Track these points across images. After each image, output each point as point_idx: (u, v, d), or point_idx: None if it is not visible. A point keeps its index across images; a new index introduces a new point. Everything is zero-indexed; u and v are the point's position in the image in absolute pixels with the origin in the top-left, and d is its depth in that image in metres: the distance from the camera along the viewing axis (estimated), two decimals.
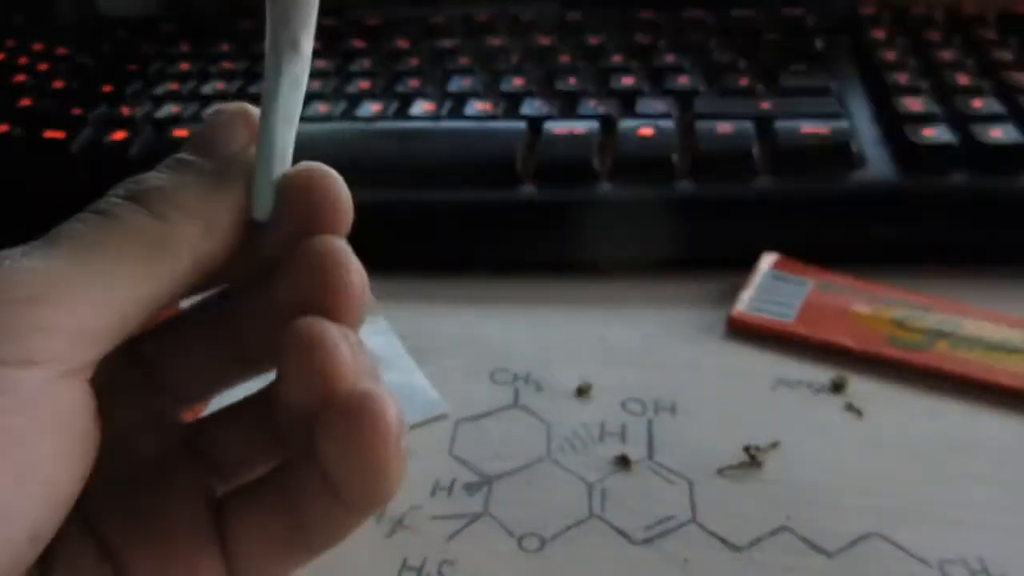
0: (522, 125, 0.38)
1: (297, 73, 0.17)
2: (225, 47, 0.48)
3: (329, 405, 0.15)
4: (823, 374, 0.30)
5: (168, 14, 0.56)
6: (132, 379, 0.18)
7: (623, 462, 0.27)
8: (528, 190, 0.36)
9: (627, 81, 0.41)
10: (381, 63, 0.45)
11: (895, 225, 0.34)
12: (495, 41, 0.45)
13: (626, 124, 0.37)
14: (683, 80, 0.40)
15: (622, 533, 0.25)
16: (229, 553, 0.17)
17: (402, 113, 0.40)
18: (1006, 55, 0.40)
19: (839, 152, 0.34)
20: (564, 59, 0.43)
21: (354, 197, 0.18)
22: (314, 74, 0.44)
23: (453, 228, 0.36)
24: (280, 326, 0.16)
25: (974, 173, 0.34)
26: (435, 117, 0.39)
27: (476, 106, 0.39)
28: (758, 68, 0.41)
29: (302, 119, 0.43)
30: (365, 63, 0.45)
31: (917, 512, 0.25)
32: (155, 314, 0.16)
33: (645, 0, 0.48)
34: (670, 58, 0.42)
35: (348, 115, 0.40)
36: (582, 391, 0.30)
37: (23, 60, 0.48)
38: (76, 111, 0.42)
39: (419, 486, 0.27)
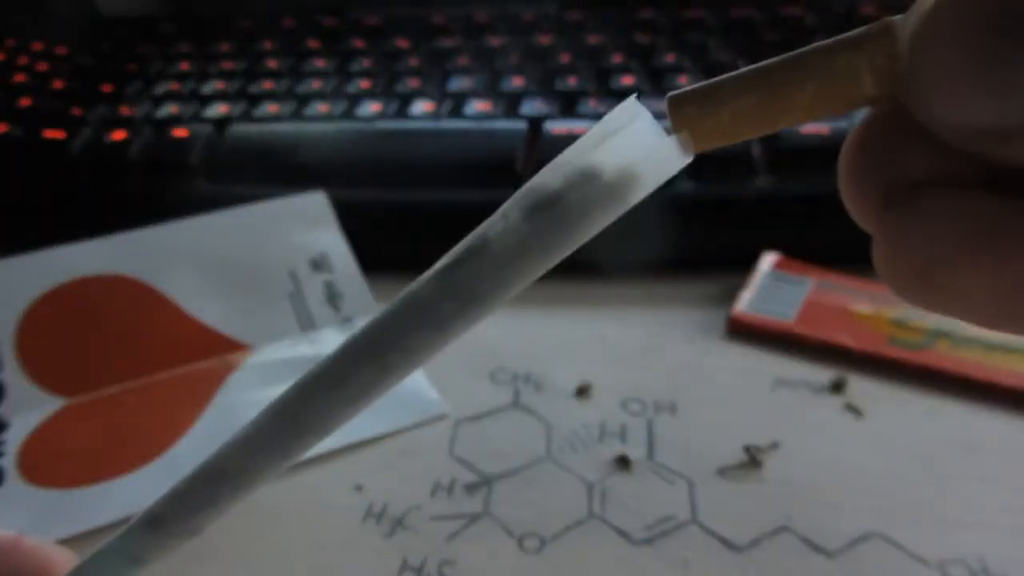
0: (522, 125, 0.38)
1: None
2: (225, 47, 0.48)
3: None
4: (823, 374, 0.30)
5: (168, 14, 0.56)
6: None
7: (623, 462, 0.27)
8: None
9: (627, 81, 0.41)
10: (381, 63, 0.45)
11: None
12: (495, 41, 0.45)
13: None
14: (683, 80, 0.40)
15: (622, 533, 0.25)
16: None
17: (402, 113, 0.40)
18: None
19: (839, 152, 0.34)
20: (564, 59, 0.43)
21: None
22: (314, 74, 0.44)
23: (453, 228, 0.36)
24: None
25: None
26: (435, 117, 0.39)
27: (476, 106, 0.39)
28: None
29: (303, 118, 0.42)
30: (365, 63, 0.45)
31: (917, 512, 0.25)
32: None
33: (645, 0, 0.48)
34: (670, 58, 0.42)
35: (348, 115, 0.40)
36: (582, 391, 0.30)
37: (23, 60, 0.48)
38: (76, 111, 0.42)
39: (419, 486, 0.27)
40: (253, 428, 0.14)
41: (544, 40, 0.45)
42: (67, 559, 0.18)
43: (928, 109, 0.11)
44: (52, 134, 0.40)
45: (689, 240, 0.35)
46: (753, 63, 0.13)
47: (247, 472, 0.14)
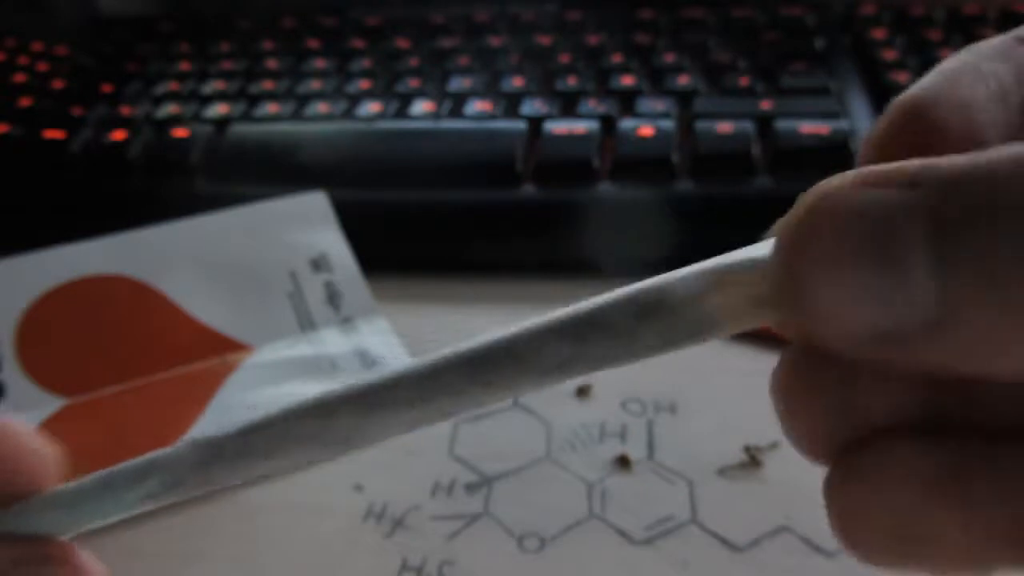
0: (522, 125, 0.38)
1: None
2: (225, 47, 0.48)
3: None
4: None
5: (168, 14, 0.56)
6: None
7: (623, 462, 0.27)
8: (528, 190, 0.36)
9: (627, 81, 0.41)
10: (381, 63, 0.45)
11: None
12: (495, 41, 0.45)
13: (626, 124, 0.37)
14: (683, 80, 0.40)
15: (622, 533, 0.25)
16: None
17: (402, 113, 0.40)
18: None
19: (839, 152, 0.34)
20: (564, 59, 0.43)
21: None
22: (314, 74, 0.44)
23: (453, 228, 0.36)
24: None
25: None
26: (435, 117, 0.39)
27: (476, 106, 0.39)
28: (758, 68, 0.41)
29: (303, 118, 0.42)
30: (365, 63, 0.45)
31: None
32: None
33: (645, 0, 0.48)
34: (670, 58, 0.42)
35: (348, 115, 0.40)
36: (582, 391, 0.30)
37: (23, 60, 0.48)
38: (76, 111, 0.42)
39: (419, 486, 0.27)
40: (321, 401, 0.14)
41: (544, 40, 0.45)
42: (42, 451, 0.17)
43: (823, 328, 0.11)
44: (52, 134, 0.40)
45: (689, 240, 0.35)
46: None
47: (313, 439, 0.14)
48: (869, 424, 0.12)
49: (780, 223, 0.11)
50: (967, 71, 0.13)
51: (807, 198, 0.11)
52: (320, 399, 0.14)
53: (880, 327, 0.11)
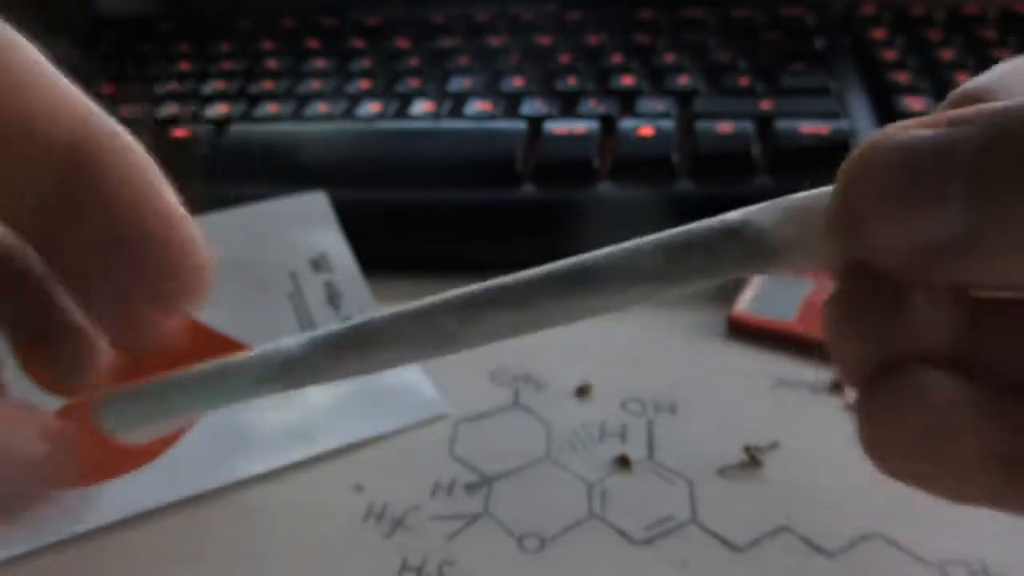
0: (522, 125, 0.38)
1: None
2: (225, 47, 0.48)
3: None
4: (823, 374, 0.30)
5: (168, 14, 0.56)
6: None
7: (623, 462, 0.27)
8: (528, 190, 0.36)
9: (627, 81, 0.41)
10: (381, 63, 0.45)
11: None
12: (495, 41, 0.45)
13: (626, 124, 0.37)
14: (683, 80, 0.40)
15: (622, 533, 0.25)
16: None
17: (402, 113, 0.40)
18: (1006, 55, 0.40)
19: (839, 152, 0.34)
20: (564, 59, 0.43)
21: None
22: (314, 74, 0.44)
23: (453, 228, 0.36)
24: None
25: None
26: (435, 117, 0.39)
27: (476, 106, 0.39)
28: (758, 68, 0.41)
29: (303, 118, 0.42)
30: (365, 63, 0.45)
31: (917, 512, 0.25)
32: None
33: (645, 0, 0.48)
34: (670, 58, 0.42)
35: (348, 115, 0.40)
36: (582, 391, 0.30)
37: None
38: None
39: (419, 486, 0.27)
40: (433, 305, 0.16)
41: (544, 40, 0.45)
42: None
43: (872, 244, 0.13)
44: None
45: None
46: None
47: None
48: (904, 352, 0.14)
49: (842, 164, 0.13)
50: (1014, 70, 0.15)
51: (865, 139, 0.13)
52: (424, 304, 0.17)
53: (919, 243, 0.12)
